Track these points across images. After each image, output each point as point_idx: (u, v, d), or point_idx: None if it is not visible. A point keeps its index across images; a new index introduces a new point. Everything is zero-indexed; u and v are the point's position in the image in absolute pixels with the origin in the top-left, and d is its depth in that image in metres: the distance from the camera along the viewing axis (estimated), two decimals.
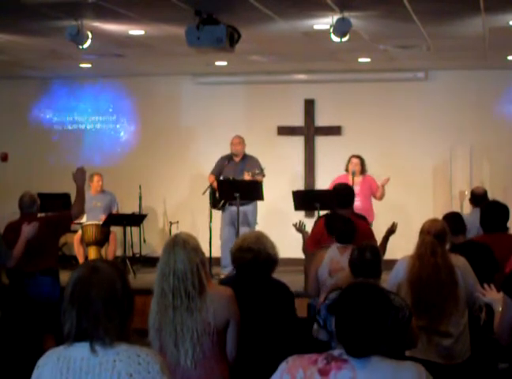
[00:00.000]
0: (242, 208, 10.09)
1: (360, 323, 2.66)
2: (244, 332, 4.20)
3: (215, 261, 10.39)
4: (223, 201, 10.37)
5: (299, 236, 7.49)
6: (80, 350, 2.63)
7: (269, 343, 4.53)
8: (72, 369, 2.63)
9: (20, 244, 6.75)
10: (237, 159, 10.54)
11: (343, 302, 2.74)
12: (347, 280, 5.57)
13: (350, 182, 9.70)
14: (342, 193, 7.23)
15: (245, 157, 10.57)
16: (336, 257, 5.92)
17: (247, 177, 10.20)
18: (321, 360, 2.70)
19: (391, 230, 7.06)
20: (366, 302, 2.70)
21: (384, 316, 2.68)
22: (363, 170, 10.23)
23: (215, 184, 10.28)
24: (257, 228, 10.18)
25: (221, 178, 10.40)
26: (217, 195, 10.32)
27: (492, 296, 4.02)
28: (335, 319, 2.74)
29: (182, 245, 3.98)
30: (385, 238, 7.00)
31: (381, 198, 10.24)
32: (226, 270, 10.03)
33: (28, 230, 6.77)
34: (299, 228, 7.36)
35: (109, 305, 2.63)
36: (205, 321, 3.94)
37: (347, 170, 10.31)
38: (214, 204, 10.55)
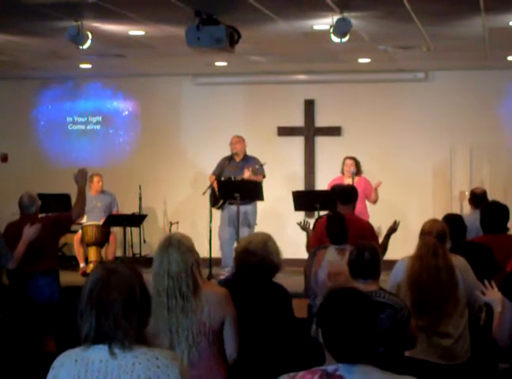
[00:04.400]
0: (242, 208, 10.07)
1: (343, 329, 2.60)
2: (243, 334, 4.20)
3: (215, 262, 10.38)
4: (222, 201, 10.36)
5: (299, 237, 7.51)
6: (99, 352, 2.60)
7: (268, 344, 4.53)
8: (90, 372, 2.59)
9: (21, 246, 6.74)
10: (238, 159, 10.53)
11: (324, 311, 2.68)
12: (346, 284, 5.59)
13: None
14: (346, 189, 7.43)
15: (246, 157, 10.56)
16: (335, 260, 5.91)
17: (247, 172, 10.19)
18: None
19: (393, 229, 7.07)
20: (346, 307, 2.63)
21: (366, 319, 2.62)
22: (357, 172, 10.21)
23: (215, 184, 10.29)
24: (256, 229, 10.18)
25: (222, 178, 10.39)
26: (217, 194, 10.33)
27: (492, 296, 4.00)
28: (321, 328, 2.68)
29: (176, 246, 3.97)
30: (387, 237, 7.02)
31: (375, 202, 10.18)
32: (226, 270, 10.02)
33: (30, 232, 6.76)
34: (304, 227, 7.43)
35: (128, 307, 2.60)
36: (201, 322, 3.93)
37: (342, 172, 10.29)
38: (214, 202, 10.55)
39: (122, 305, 2.59)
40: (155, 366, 2.58)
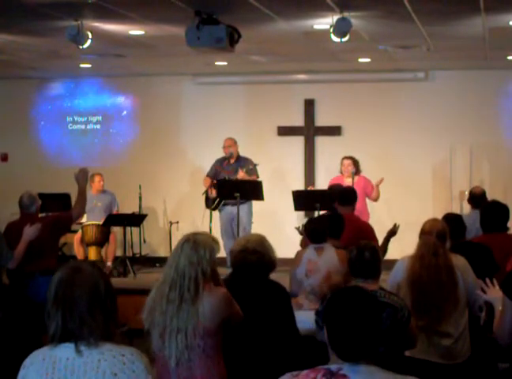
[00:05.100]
0: (235, 209, 10.06)
1: (349, 328, 2.58)
2: (243, 332, 4.19)
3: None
4: (217, 201, 10.39)
5: (298, 236, 7.51)
6: (66, 350, 2.67)
7: (269, 342, 4.53)
8: (57, 369, 2.66)
9: (21, 245, 6.74)
10: (232, 161, 10.58)
11: (330, 309, 2.66)
12: (322, 283, 5.64)
13: (347, 183, 9.70)
14: (345, 191, 7.47)
15: (239, 158, 10.60)
16: (313, 258, 5.95)
17: (241, 173, 10.24)
18: (321, 378, 2.59)
19: (392, 232, 7.06)
20: (352, 306, 2.62)
21: (372, 318, 2.61)
22: (357, 171, 10.22)
23: (212, 186, 10.33)
24: (255, 228, 10.17)
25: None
26: (210, 195, 10.37)
27: (493, 294, 4.00)
28: (325, 327, 2.65)
29: (190, 245, 4.01)
30: (387, 239, 7.01)
31: (376, 199, 10.19)
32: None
33: (30, 232, 6.76)
34: (302, 232, 7.44)
35: (93, 306, 2.65)
36: (197, 323, 3.92)
37: (341, 172, 10.30)
38: (207, 204, 10.59)
39: (86, 303, 2.65)
40: (121, 363, 2.63)
